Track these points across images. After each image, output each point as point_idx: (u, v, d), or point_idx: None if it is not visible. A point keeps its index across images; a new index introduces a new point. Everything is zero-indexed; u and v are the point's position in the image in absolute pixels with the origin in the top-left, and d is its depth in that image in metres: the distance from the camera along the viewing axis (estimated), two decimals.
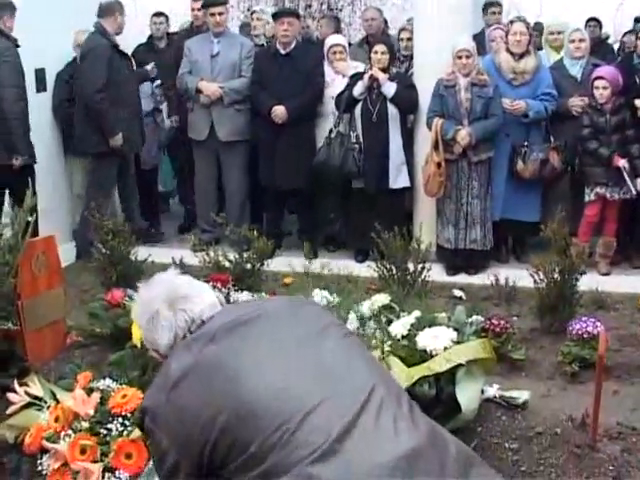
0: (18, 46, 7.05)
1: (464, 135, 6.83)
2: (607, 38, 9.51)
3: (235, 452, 2.19)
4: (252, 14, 8.42)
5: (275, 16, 7.88)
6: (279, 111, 7.43)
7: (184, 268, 6.23)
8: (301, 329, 2.46)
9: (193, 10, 8.64)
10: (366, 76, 7.17)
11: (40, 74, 7.75)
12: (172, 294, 2.55)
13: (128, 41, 8.29)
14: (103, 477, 3.47)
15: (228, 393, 2.24)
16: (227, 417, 2.21)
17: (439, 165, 6.90)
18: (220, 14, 7.82)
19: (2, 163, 6.95)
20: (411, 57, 8.01)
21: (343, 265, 6.91)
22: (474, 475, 2.18)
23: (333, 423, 2.15)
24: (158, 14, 9.04)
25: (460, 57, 6.85)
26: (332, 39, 7.98)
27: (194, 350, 2.36)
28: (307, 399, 2.21)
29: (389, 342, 4.07)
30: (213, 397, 2.25)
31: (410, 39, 8.06)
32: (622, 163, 6.80)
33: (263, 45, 8.31)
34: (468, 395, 3.92)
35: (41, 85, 7.78)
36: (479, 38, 7.97)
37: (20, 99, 7.02)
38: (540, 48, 7.98)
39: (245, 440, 2.17)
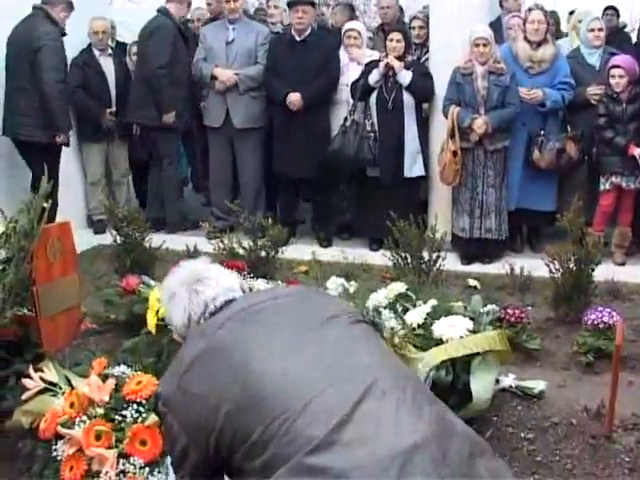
0: (64, 34, 7.31)
1: (480, 124, 6.80)
2: (624, 27, 9.44)
3: (238, 441, 2.22)
4: (269, 1, 8.40)
5: (290, 4, 7.84)
6: (294, 98, 7.41)
7: (198, 255, 6.27)
8: (307, 319, 2.48)
9: (210, 5, 8.58)
10: (381, 64, 7.14)
11: None
12: (190, 277, 2.64)
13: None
14: (118, 463, 3.46)
15: (231, 382, 2.27)
16: (229, 407, 2.24)
17: (455, 153, 6.88)
18: (235, 0, 7.79)
19: (45, 141, 7.28)
20: (423, 45, 7.98)
21: (357, 253, 6.91)
22: (479, 466, 2.15)
23: (332, 413, 2.14)
24: None
25: (477, 45, 6.81)
26: (348, 24, 7.98)
27: (207, 335, 2.42)
28: (307, 388, 2.22)
29: (404, 331, 4.07)
30: (218, 385, 2.29)
31: (422, 27, 8.02)
32: (638, 152, 6.76)
33: (279, 32, 8.27)
34: (482, 384, 3.92)
35: None
36: (495, 26, 7.93)
37: (59, 81, 7.25)
38: (557, 37, 7.92)
39: (247, 429, 2.20)
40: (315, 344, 2.37)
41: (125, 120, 8.19)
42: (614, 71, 6.87)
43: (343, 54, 7.67)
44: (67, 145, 7.56)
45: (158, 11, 8.00)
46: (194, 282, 2.61)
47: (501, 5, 8.74)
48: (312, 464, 2.06)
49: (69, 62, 7.86)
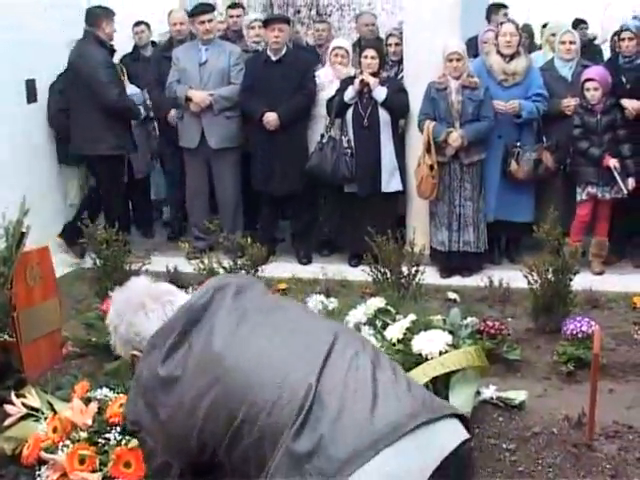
0: (114, 50, 7.92)
1: (455, 137, 6.84)
2: (594, 39, 9.53)
3: (223, 428, 2.26)
4: (250, 23, 8.42)
5: (266, 23, 7.86)
6: (271, 117, 7.42)
7: (179, 276, 6.29)
8: (259, 305, 2.56)
9: (175, 25, 8.57)
10: (357, 81, 7.17)
11: (30, 85, 7.81)
12: (154, 290, 2.64)
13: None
14: None
15: (199, 379, 2.32)
16: (206, 402, 2.29)
17: (432, 167, 6.91)
18: (209, 21, 7.82)
19: (107, 154, 7.72)
20: (399, 62, 8.03)
21: (337, 270, 6.93)
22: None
23: (300, 391, 2.21)
24: (138, 23, 9.04)
25: (451, 60, 6.86)
26: (336, 42, 8.03)
27: (160, 346, 2.42)
28: (276, 368, 2.30)
29: (383, 348, 4.09)
30: (186, 388, 2.33)
31: (398, 44, 8.07)
32: (612, 163, 6.81)
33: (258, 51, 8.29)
34: (461, 399, 3.95)
35: (32, 96, 7.83)
36: (474, 42, 8.01)
37: (118, 94, 7.69)
38: (531, 50, 8.00)
39: (230, 413, 2.25)
40: (273, 325, 2.46)
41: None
42: (588, 84, 6.92)
43: (327, 70, 7.71)
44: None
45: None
46: (161, 293, 2.61)
47: (488, 19, 8.82)
48: (297, 450, 2.13)
49: (46, 87, 7.92)
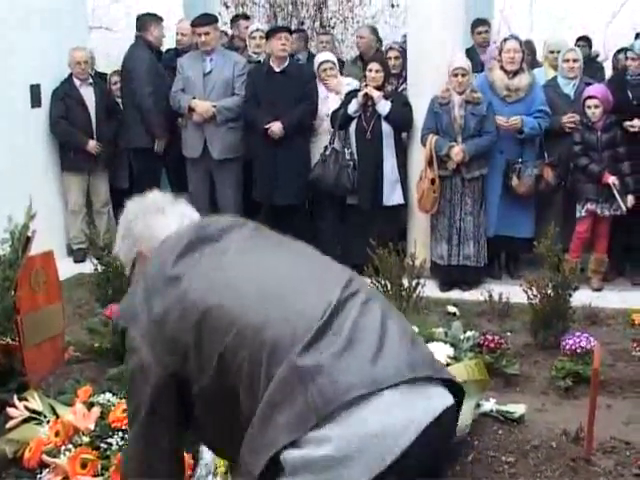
0: (161, 53, 8.60)
1: (457, 151, 6.88)
2: (597, 56, 9.61)
3: (215, 343, 2.23)
4: (252, 33, 8.44)
5: (271, 32, 7.88)
6: (276, 127, 7.45)
7: None
8: (269, 237, 2.57)
9: (178, 34, 8.69)
10: (360, 94, 7.22)
11: (35, 90, 7.88)
12: (172, 198, 2.68)
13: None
14: None
15: (201, 286, 2.31)
16: (203, 310, 2.26)
17: (433, 181, 6.94)
18: (206, 34, 7.78)
19: (142, 146, 8.21)
20: (399, 75, 8.08)
21: None
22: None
23: (316, 311, 2.21)
24: None
25: (456, 75, 6.91)
26: (321, 56, 8.04)
27: (174, 251, 2.41)
28: (292, 285, 2.31)
29: None
30: (186, 290, 2.31)
31: (397, 58, 8.13)
32: (612, 180, 6.86)
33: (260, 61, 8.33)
34: (461, 411, 3.96)
35: (36, 101, 7.88)
36: (470, 54, 8.06)
37: (150, 93, 8.06)
38: (533, 66, 8.05)
39: (229, 325, 2.22)
40: (289, 251, 2.49)
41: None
42: (590, 102, 6.97)
43: (320, 85, 7.75)
44: (161, 153, 8.28)
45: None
46: (183, 207, 2.64)
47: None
48: (301, 364, 2.11)
49: (49, 92, 7.97)
